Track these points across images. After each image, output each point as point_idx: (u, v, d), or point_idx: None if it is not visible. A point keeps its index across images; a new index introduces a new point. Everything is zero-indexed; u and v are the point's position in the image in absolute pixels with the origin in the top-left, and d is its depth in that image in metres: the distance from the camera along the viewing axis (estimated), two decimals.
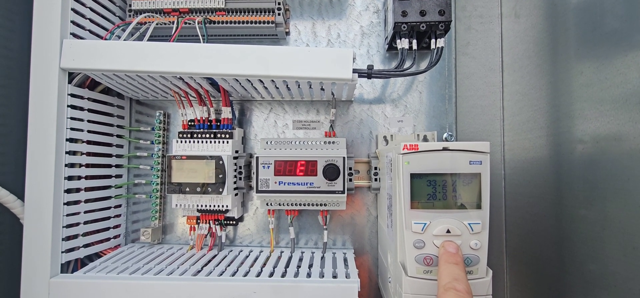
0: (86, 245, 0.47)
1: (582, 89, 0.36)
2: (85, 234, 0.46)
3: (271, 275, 0.42)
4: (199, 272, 0.44)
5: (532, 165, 0.45)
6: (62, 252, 0.42)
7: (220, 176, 0.46)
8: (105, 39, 0.47)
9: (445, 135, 0.52)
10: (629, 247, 0.30)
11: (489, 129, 0.52)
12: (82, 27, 0.45)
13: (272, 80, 0.43)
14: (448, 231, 0.32)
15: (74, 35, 0.43)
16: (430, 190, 0.33)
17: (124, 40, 0.46)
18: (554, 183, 0.40)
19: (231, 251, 0.51)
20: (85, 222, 0.46)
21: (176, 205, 0.48)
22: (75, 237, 0.45)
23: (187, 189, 0.47)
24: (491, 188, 0.33)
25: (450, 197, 0.33)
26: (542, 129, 0.42)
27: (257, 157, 0.46)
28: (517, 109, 0.48)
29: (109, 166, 0.51)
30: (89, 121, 0.46)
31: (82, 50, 0.41)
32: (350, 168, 0.48)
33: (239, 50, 0.40)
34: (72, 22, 0.43)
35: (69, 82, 0.43)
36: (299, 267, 0.45)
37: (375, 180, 0.48)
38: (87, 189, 0.47)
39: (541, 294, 0.43)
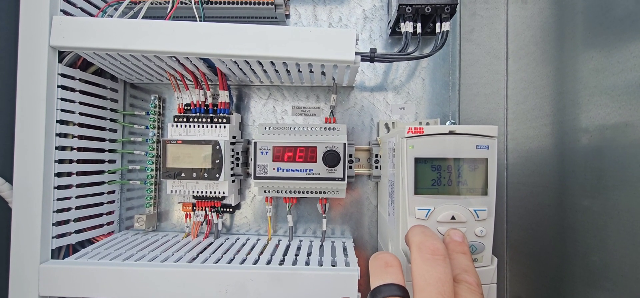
0: (78, 231, 0.45)
1: (591, 75, 0.35)
2: (77, 220, 0.45)
3: (269, 262, 0.41)
4: (194, 259, 0.42)
5: (536, 155, 0.44)
6: (53, 238, 0.41)
7: (216, 162, 0.45)
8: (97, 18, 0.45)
9: (448, 123, 0.51)
10: (638, 236, 0.29)
11: (493, 117, 0.51)
12: (73, 4, 0.43)
13: (272, 63, 0.41)
14: (453, 217, 0.31)
15: (64, 12, 0.41)
16: (435, 176, 0.31)
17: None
18: (558, 173, 0.40)
19: (228, 239, 0.50)
20: (77, 207, 0.45)
21: (171, 191, 0.47)
22: (66, 222, 0.43)
23: (183, 175, 0.45)
24: None
25: (456, 183, 0.32)
26: (548, 117, 0.41)
27: (255, 143, 0.45)
28: (522, 97, 0.47)
29: (102, 151, 0.49)
30: (80, 103, 0.45)
31: (73, 27, 0.39)
32: (350, 156, 0.46)
33: (238, 29, 0.39)
34: None
35: (59, 61, 0.41)
36: (297, 255, 0.44)
37: (376, 168, 0.47)
38: (79, 174, 0.45)
39: (542, 285, 0.42)
